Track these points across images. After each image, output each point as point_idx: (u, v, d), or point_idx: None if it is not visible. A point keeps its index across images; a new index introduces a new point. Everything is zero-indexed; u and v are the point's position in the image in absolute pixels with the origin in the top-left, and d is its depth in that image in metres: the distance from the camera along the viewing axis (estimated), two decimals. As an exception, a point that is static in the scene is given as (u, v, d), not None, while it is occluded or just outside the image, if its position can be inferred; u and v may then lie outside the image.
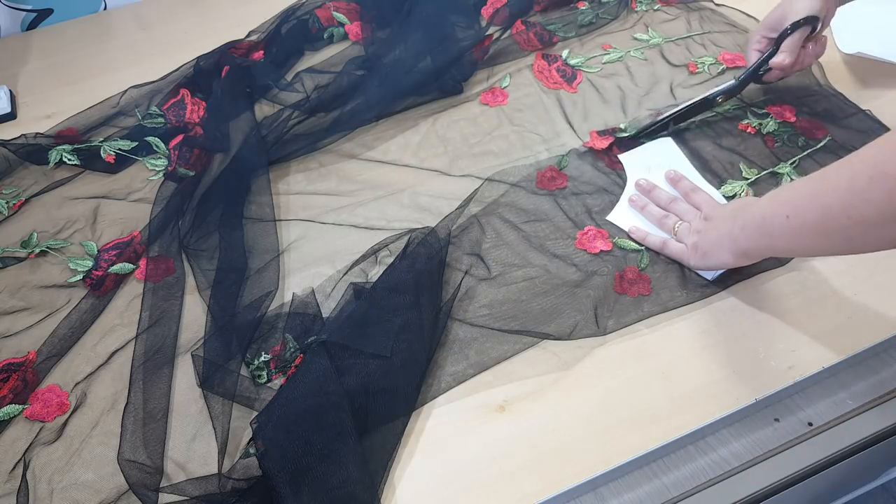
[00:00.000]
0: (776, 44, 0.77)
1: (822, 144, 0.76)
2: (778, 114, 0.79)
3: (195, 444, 0.58)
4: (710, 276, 0.65)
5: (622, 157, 0.76)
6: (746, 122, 0.79)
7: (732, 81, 0.78)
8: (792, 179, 0.73)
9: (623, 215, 0.71)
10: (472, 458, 0.56)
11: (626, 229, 0.70)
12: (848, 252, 0.53)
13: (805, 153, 0.75)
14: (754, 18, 0.92)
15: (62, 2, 1.02)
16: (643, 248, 0.68)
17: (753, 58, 0.80)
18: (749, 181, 0.73)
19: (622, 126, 0.79)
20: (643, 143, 0.78)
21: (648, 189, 0.72)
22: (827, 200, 0.49)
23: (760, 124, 0.79)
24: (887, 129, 0.77)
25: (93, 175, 0.80)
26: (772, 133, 0.78)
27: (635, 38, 0.91)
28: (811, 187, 0.51)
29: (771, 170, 0.74)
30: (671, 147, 0.77)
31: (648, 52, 0.89)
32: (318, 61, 0.90)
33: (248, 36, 0.93)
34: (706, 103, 0.78)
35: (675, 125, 0.78)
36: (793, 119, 0.79)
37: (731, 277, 0.65)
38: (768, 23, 0.79)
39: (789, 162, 0.74)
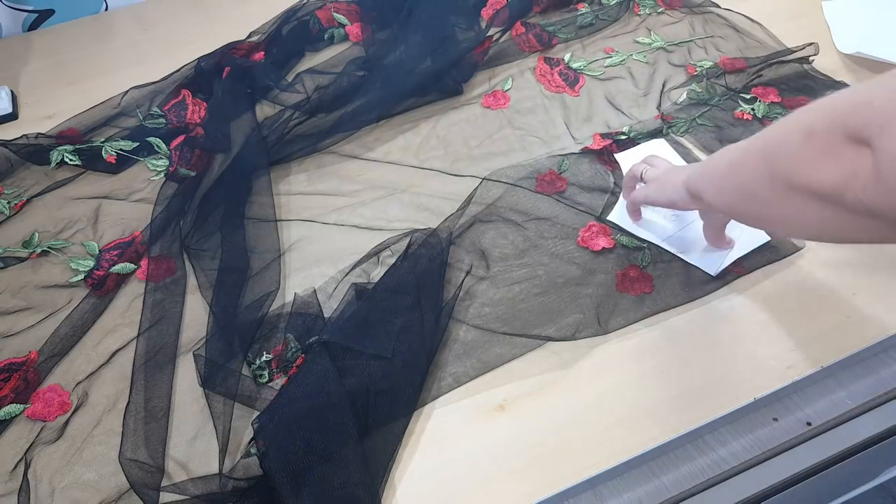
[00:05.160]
0: None
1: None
2: (763, 95, 0.81)
3: (196, 443, 0.58)
4: (712, 270, 0.66)
5: (618, 156, 0.77)
6: (740, 109, 0.80)
7: None
8: None
9: (624, 215, 0.71)
10: (471, 458, 0.56)
11: (628, 228, 0.70)
12: (735, 217, 0.55)
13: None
14: (758, 24, 0.92)
15: (63, 2, 1.02)
16: (645, 245, 0.68)
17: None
18: None
19: (624, 129, 0.80)
20: (639, 143, 0.78)
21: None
22: (733, 157, 0.51)
23: (753, 109, 0.80)
24: None
25: (94, 175, 0.80)
26: (767, 116, 0.79)
27: (637, 42, 0.92)
28: (738, 144, 0.52)
29: None
30: (665, 148, 0.77)
31: (650, 56, 0.89)
32: (319, 62, 0.90)
33: (248, 37, 0.93)
34: None
35: None
36: (778, 99, 0.81)
37: (731, 273, 0.66)
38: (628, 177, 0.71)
39: None
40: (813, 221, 0.44)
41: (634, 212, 0.69)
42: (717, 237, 0.65)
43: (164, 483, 0.55)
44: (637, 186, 0.68)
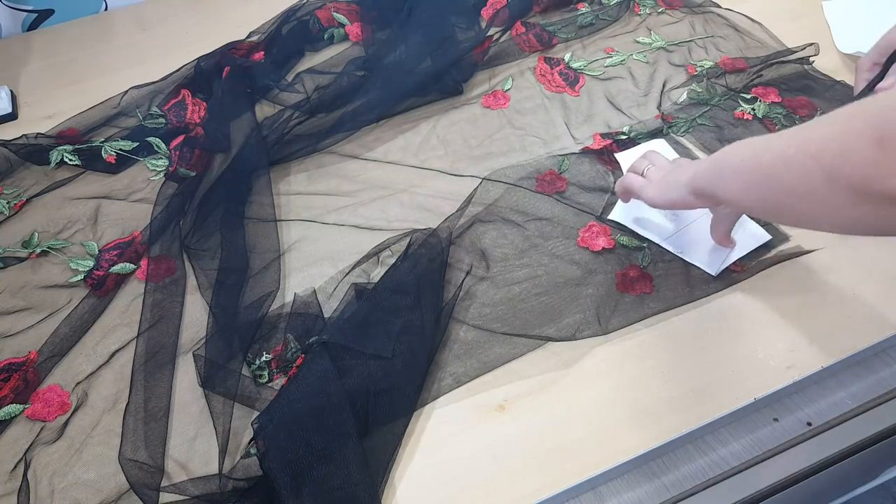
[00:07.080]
0: (884, 68, 0.73)
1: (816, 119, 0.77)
2: (763, 95, 0.82)
3: (196, 443, 0.58)
4: (712, 270, 0.66)
5: (618, 156, 0.77)
6: (741, 109, 0.80)
7: None
8: None
9: (624, 214, 0.71)
10: (471, 458, 0.56)
11: (629, 226, 0.70)
12: (765, 214, 0.56)
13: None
14: (759, 24, 0.92)
15: (63, 2, 1.02)
16: (645, 245, 0.68)
17: (861, 84, 0.75)
18: None
19: (625, 129, 0.79)
20: (640, 143, 0.78)
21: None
22: (765, 158, 0.50)
23: (753, 109, 0.80)
24: None
25: (94, 175, 0.80)
26: (767, 116, 0.79)
27: (637, 42, 0.92)
28: (764, 141, 0.52)
29: None
30: (665, 147, 0.77)
31: (651, 56, 0.89)
32: (319, 62, 0.90)
33: (248, 36, 0.93)
34: None
35: None
36: (778, 99, 0.81)
37: (732, 273, 0.66)
38: (878, 48, 0.74)
39: None
40: (876, 222, 0.44)
41: (624, 194, 0.68)
42: (725, 235, 0.65)
43: (164, 483, 0.55)
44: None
